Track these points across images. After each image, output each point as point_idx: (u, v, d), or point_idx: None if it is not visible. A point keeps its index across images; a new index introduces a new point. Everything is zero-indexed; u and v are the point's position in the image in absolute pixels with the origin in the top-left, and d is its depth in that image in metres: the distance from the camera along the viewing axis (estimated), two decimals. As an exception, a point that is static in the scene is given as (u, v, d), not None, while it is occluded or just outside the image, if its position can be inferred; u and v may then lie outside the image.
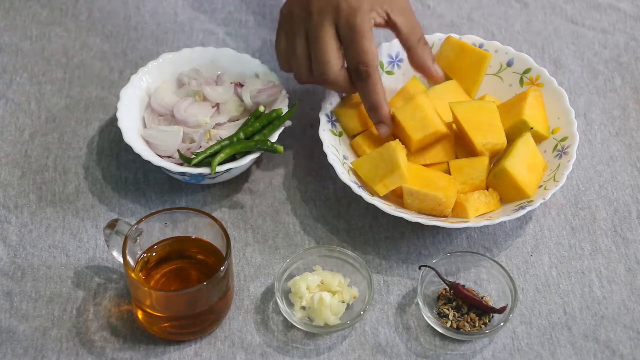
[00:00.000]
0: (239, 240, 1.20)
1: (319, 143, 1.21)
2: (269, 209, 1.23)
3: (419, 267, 1.16)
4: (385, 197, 1.20)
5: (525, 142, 1.20)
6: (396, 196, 1.21)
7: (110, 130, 1.30)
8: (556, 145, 1.23)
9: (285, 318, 1.13)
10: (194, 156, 1.18)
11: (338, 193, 1.25)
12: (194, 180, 1.22)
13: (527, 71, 1.29)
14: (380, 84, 1.19)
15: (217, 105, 1.26)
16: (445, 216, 1.18)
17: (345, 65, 1.20)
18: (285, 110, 1.23)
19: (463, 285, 1.14)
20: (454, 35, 1.31)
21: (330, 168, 1.20)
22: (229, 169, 1.19)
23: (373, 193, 1.20)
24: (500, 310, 1.13)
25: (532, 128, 1.22)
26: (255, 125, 1.22)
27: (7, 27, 1.41)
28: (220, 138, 1.22)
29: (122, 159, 1.27)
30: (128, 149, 1.22)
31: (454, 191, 1.17)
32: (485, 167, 1.20)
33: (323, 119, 1.23)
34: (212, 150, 1.19)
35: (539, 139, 1.24)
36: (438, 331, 1.12)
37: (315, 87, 1.36)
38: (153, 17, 1.43)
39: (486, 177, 1.20)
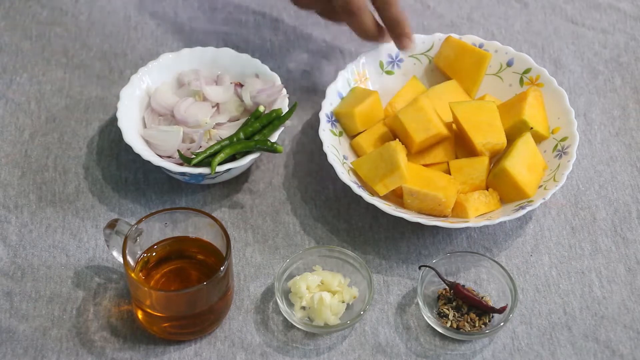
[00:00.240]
0: (239, 240, 1.20)
1: (319, 143, 1.21)
2: (269, 209, 1.23)
3: (419, 267, 1.16)
4: (385, 197, 1.20)
5: (525, 142, 1.20)
6: (396, 196, 1.21)
7: (110, 130, 1.30)
8: (556, 145, 1.23)
9: (285, 318, 1.13)
10: (194, 156, 1.18)
11: (338, 193, 1.25)
12: (194, 180, 1.22)
13: (527, 71, 1.29)
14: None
15: (217, 105, 1.26)
16: (445, 216, 1.18)
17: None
18: (285, 110, 1.23)
19: (463, 285, 1.14)
20: (454, 35, 1.31)
21: (330, 168, 1.20)
22: (229, 169, 1.19)
23: (373, 193, 1.20)
24: (500, 310, 1.13)
25: (532, 128, 1.22)
26: (255, 125, 1.22)
27: (7, 27, 1.41)
28: (220, 138, 1.22)
29: (122, 159, 1.27)
30: (128, 149, 1.22)
31: (454, 191, 1.17)
32: (485, 167, 1.20)
33: (323, 119, 1.23)
34: (212, 150, 1.19)
35: (539, 139, 1.24)
36: (438, 331, 1.12)
37: (315, 87, 1.36)
38: (153, 17, 1.43)
39: (486, 177, 1.20)
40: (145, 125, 1.25)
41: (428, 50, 1.32)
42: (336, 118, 1.26)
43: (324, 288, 1.14)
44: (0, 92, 1.33)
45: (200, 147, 1.21)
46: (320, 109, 1.24)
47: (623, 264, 1.20)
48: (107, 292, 1.15)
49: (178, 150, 1.19)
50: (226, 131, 1.23)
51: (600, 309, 1.15)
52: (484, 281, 1.17)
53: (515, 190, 1.19)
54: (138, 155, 1.19)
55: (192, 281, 1.12)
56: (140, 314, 1.10)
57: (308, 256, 1.16)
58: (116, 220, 1.11)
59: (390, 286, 1.17)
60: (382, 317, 1.14)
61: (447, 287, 1.15)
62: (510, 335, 1.13)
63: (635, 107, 1.36)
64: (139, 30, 1.42)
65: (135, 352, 1.10)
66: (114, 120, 1.23)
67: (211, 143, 1.22)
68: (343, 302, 1.13)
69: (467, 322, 1.13)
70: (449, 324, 1.12)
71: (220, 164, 1.18)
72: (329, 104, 1.26)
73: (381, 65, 1.31)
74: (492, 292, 1.16)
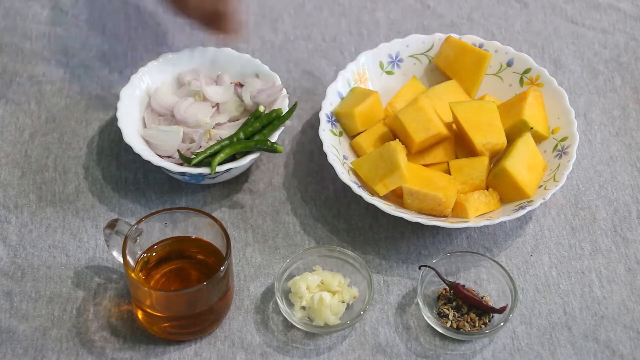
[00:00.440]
0: (239, 240, 1.20)
1: (319, 143, 1.21)
2: (269, 209, 1.23)
3: (419, 267, 1.16)
4: (385, 197, 1.20)
5: (525, 142, 1.20)
6: (396, 196, 1.21)
7: (110, 130, 1.30)
8: (556, 145, 1.23)
9: (285, 318, 1.13)
10: (194, 156, 1.18)
11: (338, 193, 1.25)
12: (194, 180, 1.22)
13: (527, 71, 1.29)
14: None
15: (217, 105, 1.26)
16: (445, 216, 1.18)
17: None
18: (285, 110, 1.23)
19: (463, 285, 1.14)
20: (454, 35, 1.31)
21: (330, 168, 1.20)
22: (229, 169, 1.19)
23: (373, 193, 1.20)
24: (500, 310, 1.13)
25: (532, 128, 1.22)
26: (255, 125, 1.22)
27: (7, 27, 1.41)
28: (220, 138, 1.22)
29: (122, 159, 1.27)
30: (128, 149, 1.22)
31: (454, 191, 1.17)
32: (485, 167, 1.20)
33: (323, 119, 1.23)
34: (212, 150, 1.19)
35: (539, 139, 1.24)
36: (438, 331, 1.12)
37: (315, 86, 1.36)
38: (153, 17, 1.43)
39: (486, 177, 1.20)
40: (145, 125, 1.25)
41: (428, 50, 1.32)
42: (336, 118, 1.26)
43: (324, 288, 1.14)
44: (0, 92, 1.33)
45: (200, 147, 1.21)
46: (320, 109, 1.24)
47: (623, 264, 1.20)
48: (107, 292, 1.15)
49: (178, 150, 1.19)
50: (226, 131, 1.23)
51: (600, 309, 1.15)
52: (484, 281, 1.17)
53: (515, 190, 1.19)
54: (138, 155, 1.19)
55: (192, 281, 1.12)
56: (140, 314, 1.10)
57: (308, 256, 1.16)
58: (116, 220, 1.11)
59: (390, 286, 1.17)
60: (382, 317, 1.14)
61: (447, 287, 1.15)
62: (510, 335, 1.13)
63: (635, 107, 1.36)
64: (139, 30, 1.42)
65: (135, 352, 1.10)
66: (114, 120, 1.23)
67: (211, 143, 1.22)
68: (343, 302, 1.13)
69: (467, 322, 1.13)
70: (449, 324, 1.12)
71: (220, 164, 1.18)
72: (329, 104, 1.26)
73: (381, 65, 1.31)
74: (492, 292, 1.16)
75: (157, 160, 1.19)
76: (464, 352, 1.12)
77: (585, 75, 1.39)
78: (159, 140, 1.21)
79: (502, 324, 1.11)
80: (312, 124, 1.31)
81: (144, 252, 1.11)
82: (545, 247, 1.21)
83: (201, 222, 1.10)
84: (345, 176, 1.18)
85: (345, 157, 1.23)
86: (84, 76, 1.36)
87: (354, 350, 1.12)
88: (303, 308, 1.13)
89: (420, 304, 1.12)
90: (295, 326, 1.13)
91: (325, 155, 1.20)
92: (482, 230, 1.22)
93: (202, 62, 1.29)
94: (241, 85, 1.27)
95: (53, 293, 1.15)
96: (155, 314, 1.09)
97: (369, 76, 1.30)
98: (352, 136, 1.26)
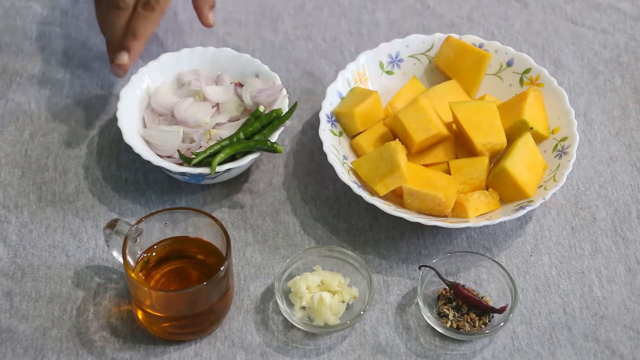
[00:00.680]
0: (239, 240, 1.20)
1: (319, 143, 1.21)
2: (269, 209, 1.23)
3: (419, 267, 1.16)
4: (385, 197, 1.20)
5: (525, 142, 1.20)
6: (396, 196, 1.21)
7: (110, 130, 1.30)
8: (556, 145, 1.23)
9: (285, 318, 1.13)
10: (194, 156, 1.18)
11: (338, 193, 1.25)
12: (194, 180, 1.22)
13: (527, 71, 1.29)
14: (155, 24, 1.26)
15: (217, 105, 1.26)
16: (445, 216, 1.18)
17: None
18: (285, 110, 1.23)
19: (463, 285, 1.14)
20: (454, 35, 1.31)
21: (330, 168, 1.20)
22: (229, 169, 1.19)
23: (373, 193, 1.20)
24: (500, 310, 1.13)
25: (532, 128, 1.22)
26: (255, 125, 1.22)
27: (7, 27, 1.41)
28: (220, 138, 1.22)
29: (122, 159, 1.27)
30: (128, 149, 1.22)
31: (454, 191, 1.17)
32: (485, 167, 1.20)
33: (323, 119, 1.23)
34: (212, 150, 1.18)
35: (539, 139, 1.24)
36: (438, 331, 1.12)
37: (315, 86, 1.36)
38: (153, 17, 1.43)
39: (486, 177, 1.20)
40: (145, 125, 1.25)
41: (428, 50, 1.32)
42: (336, 118, 1.26)
43: (324, 288, 1.14)
44: (0, 92, 1.33)
45: (200, 147, 1.21)
46: (320, 109, 1.24)
47: (623, 264, 1.20)
48: (107, 292, 1.15)
49: (178, 150, 1.19)
50: (226, 131, 1.23)
51: (600, 309, 1.15)
52: (484, 281, 1.17)
53: (515, 190, 1.19)
54: (138, 155, 1.19)
55: (192, 281, 1.12)
56: (140, 314, 1.10)
57: (308, 256, 1.16)
58: (116, 220, 1.11)
59: (390, 286, 1.17)
60: (382, 317, 1.14)
61: (447, 287, 1.15)
62: (510, 335, 1.13)
63: (635, 107, 1.36)
64: (139, 30, 1.41)
65: (135, 352, 1.10)
66: (114, 120, 1.23)
67: (211, 143, 1.21)
68: (343, 302, 1.13)
69: (467, 322, 1.13)
70: (449, 324, 1.12)
71: (220, 164, 1.18)
72: (329, 104, 1.26)
73: (381, 65, 1.31)
74: (492, 292, 1.16)
75: (157, 160, 1.19)
76: (464, 352, 1.12)
77: (585, 75, 1.39)
78: (159, 140, 1.21)
79: (502, 324, 1.11)
80: (312, 124, 1.31)
81: (144, 252, 1.11)
82: (545, 247, 1.21)
83: (201, 222, 1.10)
84: (345, 176, 1.18)
85: (345, 157, 1.23)
86: (84, 76, 1.36)
87: (354, 350, 1.12)
88: (303, 308, 1.13)
89: (420, 304, 1.12)
90: (295, 326, 1.13)
91: (325, 155, 1.20)
92: (482, 230, 1.22)
93: (202, 62, 1.29)
94: (241, 85, 1.27)
95: (53, 293, 1.15)
96: (155, 314, 1.09)
97: (369, 76, 1.30)
98: (352, 136, 1.26)
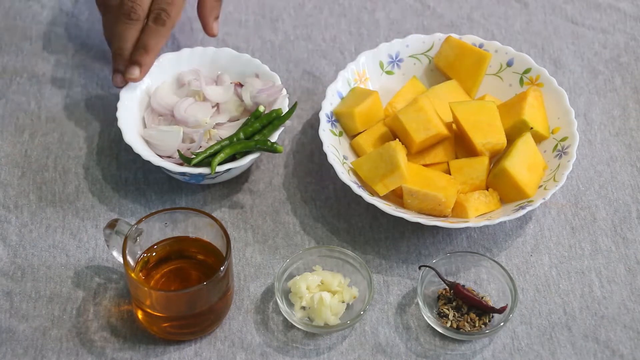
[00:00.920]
0: (239, 240, 1.20)
1: (319, 143, 1.21)
2: (269, 209, 1.23)
3: (419, 267, 1.16)
4: (385, 197, 1.20)
5: (525, 142, 1.20)
6: (396, 196, 1.21)
7: (110, 130, 1.30)
8: (556, 145, 1.23)
9: (285, 318, 1.13)
10: (194, 156, 1.18)
11: (338, 193, 1.25)
12: (194, 180, 1.22)
13: (527, 71, 1.29)
14: (166, 38, 1.26)
15: (217, 105, 1.26)
16: (445, 216, 1.18)
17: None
18: (285, 110, 1.23)
19: (463, 285, 1.14)
20: (454, 35, 1.31)
21: (330, 168, 1.20)
22: (229, 169, 1.19)
23: (373, 193, 1.20)
24: (500, 310, 1.13)
25: (532, 128, 1.22)
26: (255, 125, 1.22)
27: (7, 27, 1.41)
28: (220, 138, 1.22)
29: (122, 159, 1.27)
30: (128, 149, 1.22)
31: (454, 191, 1.17)
32: (485, 167, 1.20)
33: (323, 119, 1.23)
34: (212, 150, 1.18)
35: (539, 139, 1.24)
36: (438, 331, 1.12)
37: (315, 86, 1.36)
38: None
39: (486, 177, 1.20)
40: (145, 125, 1.25)
41: (428, 50, 1.32)
42: (336, 118, 1.26)
43: (324, 288, 1.14)
44: (0, 92, 1.33)
45: (200, 147, 1.21)
46: (320, 109, 1.24)
47: (623, 264, 1.20)
48: (107, 292, 1.15)
49: (178, 150, 1.19)
50: (226, 131, 1.23)
51: (600, 309, 1.15)
52: (484, 281, 1.17)
53: (515, 190, 1.19)
54: (138, 155, 1.19)
55: (192, 281, 1.12)
56: (140, 314, 1.10)
57: (308, 256, 1.16)
58: (116, 220, 1.11)
59: (390, 286, 1.17)
60: (382, 317, 1.14)
61: (447, 287, 1.15)
62: (510, 335, 1.13)
63: (635, 107, 1.36)
64: (139, 30, 1.41)
65: (135, 352, 1.10)
66: (114, 120, 1.23)
67: (211, 143, 1.21)
68: (343, 302, 1.13)
69: (467, 322, 1.13)
70: (449, 324, 1.12)
71: (220, 164, 1.18)
72: (329, 104, 1.26)
73: (381, 65, 1.31)
74: (492, 292, 1.16)
75: (157, 160, 1.19)
76: (464, 352, 1.12)
77: (585, 75, 1.39)
78: (159, 140, 1.21)
79: (502, 324, 1.11)
80: (312, 124, 1.31)
81: (144, 252, 1.11)
82: (545, 247, 1.21)
83: (201, 222, 1.10)
84: (345, 176, 1.18)
85: (345, 157, 1.23)
86: (84, 76, 1.36)
87: (354, 350, 1.12)
88: (303, 308, 1.13)
89: (420, 304, 1.12)
90: (295, 326, 1.13)
91: (325, 155, 1.20)
92: (482, 230, 1.22)
93: (202, 62, 1.29)
94: (241, 85, 1.27)
95: (53, 293, 1.15)
96: (155, 314, 1.09)
97: (369, 76, 1.30)
98: (352, 136, 1.26)
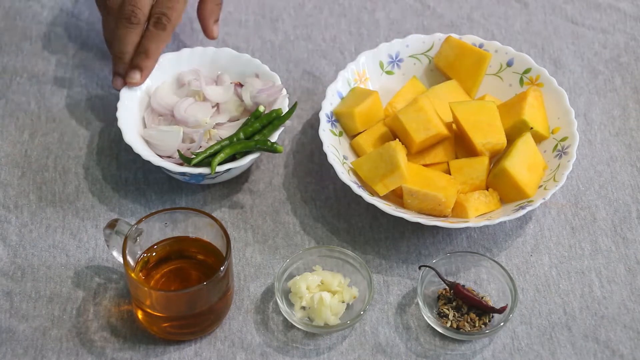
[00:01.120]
0: (239, 240, 1.20)
1: (319, 143, 1.21)
2: (269, 209, 1.23)
3: (419, 267, 1.16)
4: (385, 197, 1.20)
5: (525, 142, 1.20)
6: (396, 196, 1.21)
7: (110, 130, 1.30)
8: (556, 145, 1.23)
9: (285, 318, 1.13)
10: (194, 156, 1.18)
11: (338, 193, 1.25)
12: (194, 180, 1.22)
13: (527, 71, 1.29)
14: (166, 42, 1.26)
15: (217, 105, 1.26)
16: (445, 216, 1.18)
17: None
18: (285, 110, 1.23)
19: (463, 285, 1.14)
20: (454, 35, 1.31)
21: (330, 168, 1.20)
22: (229, 169, 1.19)
23: (373, 193, 1.20)
24: (500, 310, 1.13)
25: (532, 128, 1.22)
26: (255, 125, 1.22)
27: (7, 27, 1.41)
28: (220, 138, 1.22)
29: (122, 159, 1.27)
30: (128, 149, 1.22)
31: (454, 191, 1.17)
32: (485, 167, 1.20)
33: (323, 119, 1.23)
34: (212, 150, 1.18)
35: (539, 139, 1.24)
36: (438, 331, 1.12)
37: (315, 86, 1.36)
38: (153, 17, 1.43)
39: (486, 177, 1.20)
40: (145, 125, 1.25)
41: (428, 50, 1.32)
42: (336, 118, 1.26)
43: (324, 288, 1.14)
44: (0, 92, 1.33)
45: (200, 147, 1.21)
46: (320, 109, 1.24)
47: (623, 264, 1.20)
48: (107, 292, 1.15)
49: (178, 150, 1.19)
50: (226, 131, 1.23)
51: (600, 309, 1.15)
52: (484, 281, 1.17)
53: (515, 190, 1.19)
54: (138, 155, 1.19)
55: (192, 281, 1.12)
56: (140, 314, 1.10)
57: (308, 256, 1.16)
58: (116, 220, 1.11)
59: (390, 286, 1.17)
60: (382, 317, 1.14)
61: (447, 287, 1.15)
62: (510, 335, 1.13)
63: (635, 107, 1.36)
64: (139, 30, 1.42)
65: (135, 352, 1.10)
66: (114, 120, 1.23)
67: (211, 143, 1.22)
68: (343, 302, 1.13)
69: (467, 322, 1.13)
70: (449, 324, 1.12)
71: (220, 164, 1.18)
72: (329, 104, 1.26)
73: (381, 65, 1.31)
74: (492, 292, 1.16)
75: (157, 160, 1.19)
76: (464, 352, 1.12)
77: (585, 75, 1.39)
78: (159, 140, 1.21)
79: (502, 324, 1.11)
80: (312, 124, 1.31)
81: (144, 252, 1.11)
82: (545, 247, 1.21)
83: (201, 222, 1.10)
84: (345, 176, 1.18)
85: (345, 157, 1.23)
86: (84, 76, 1.36)
87: (354, 350, 1.12)
88: (303, 308, 1.13)
89: (420, 304, 1.12)
90: (295, 326, 1.13)
91: (325, 155, 1.20)
92: (482, 230, 1.22)
93: (202, 62, 1.29)
94: (241, 85, 1.27)
95: (53, 293, 1.15)
96: (155, 314, 1.09)
97: (369, 76, 1.30)
98: (352, 136, 1.26)
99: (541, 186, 1.19)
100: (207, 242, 1.12)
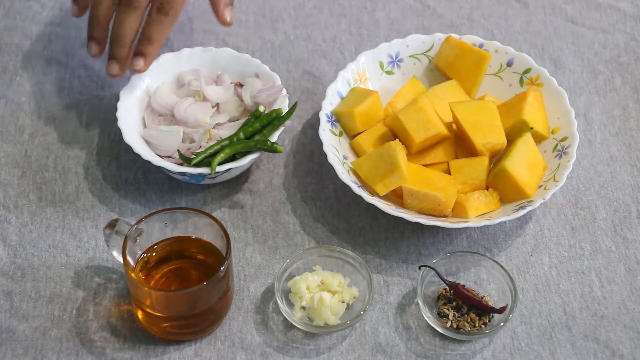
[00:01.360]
0: (239, 240, 1.20)
1: (319, 143, 1.21)
2: (269, 209, 1.23)
3: (419, 267, 1.16)
4: (385, 197, 1.20)
5: (525, 142, 1.20)
6: (396, 196, 1.21)
7: (110, 130, 1.30)
8: (556, 145, 1.23)
9: (285, 318, 1.13)
10: (194, 156, 1.18)
11: (338, 193, 1.25)
12: (194, 180, 1.22)
13: (527, 71, 1.29)
14: (169, 29, 1.24)
15: (217, 105, 1.26)
16: (445, 216, 1.18)
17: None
18: (285, 110, 1.23)
19: (463, 285, 1.14)
20: (454, 35, 1.31)
21: (330, 168, 1.20)
22: (229, 169, 1.19)
23: (373, 193, 1.20)
24: (500, 310, 1.13)
25: (532, 128, 1.22)
26: (255, 125, 1.22)
27: (7, 27, 1.41)
28: (220, 138, 1.22)
29: (122, 159, 1.27)
30: (128, 149, 1.22)
31: (454, 191, 1.17)
32: (485, 167, 1.20)
33: (323, 119, 1.23)
34: (212, 150, 1.19)
35: (539, 139, 1.24)
36: (438, 331, 1.13)
37: (315, 86, 1.36)
38: (153, 17, 1.43)
39: (486, 177, 1.20)
40: (145, 125, 1.25)
41: (428, 50, 1.32)
42: (336, 118, 1.26)
43: (324, 288, 1.14)
44: (0, 92, 1.33)
45: (200, 147, 1.21)
46: (320, 109, 1.24)
47: (623, 264, 1.20)
48: (107, 292, 1.15)
49: (178, 150, 1.19)
50: (226, 131, 1.23)
51: (600, 309, 1.15)
52: (484, 281, 1.17)
53: (515, 190, 1.19)
54: (138, 155, 1.19)
55: (192, 281, 1.12)
56: (140, 314, 1.10)
57: (308, 256, 1.16)
58: (116, 220, 1.11)
59: (390, 286, 1.17)
60: (382, 317, 1.14)
61: (447, 287, 1.15)
62: (510, 335, 1.13)
63: (635, 107, 1.36)
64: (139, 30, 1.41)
65: (135, 352, 1.10)
66: (114, 120, 1.23)
67: (211, 143, 1.22)
68: (343, 302, 1.13)
69: (467, 322, 1.13)
70: (449, 324, 1.12)
71: (220, 164, 1.18)
72: (329, 104, 1.26)
73: (381, 65, 1.31)
74: (492, 292, 1.16)
75: (157, 160, 1.19)
76: (464, 352, 1.12)
77: (585, 75, 1.39)
78: (159, 140, 1.21)
79: (502, 324, 1.11)
80: (312, 124, 1.31)
81: (144, 252, 1.11)
82: (545, 247, 1.21)
83: (201, 222, 1.10)
84: (345, 176, 1.18)
85: (345, 157, 1.23)
86: (84, 76, 1.36)
87: (354, 350, 1.12)
88: (303, 308, 1.13)
89: (420, 304, 1.12)
90: (295, 326, 1.13)
91: (325, 155, 1.20)
92: (482, 230, 1.22)
93: (202, 62, 1.29)
94: (241, 85, 1.27)
95: (53, 293, 1.15)
96: (155, 314, 1.09)
97: (369, 76, 1.30)
98: (352, 136, 1.26)
99: (541, 186, 1.19)
100: (207, 242, 1.12)
